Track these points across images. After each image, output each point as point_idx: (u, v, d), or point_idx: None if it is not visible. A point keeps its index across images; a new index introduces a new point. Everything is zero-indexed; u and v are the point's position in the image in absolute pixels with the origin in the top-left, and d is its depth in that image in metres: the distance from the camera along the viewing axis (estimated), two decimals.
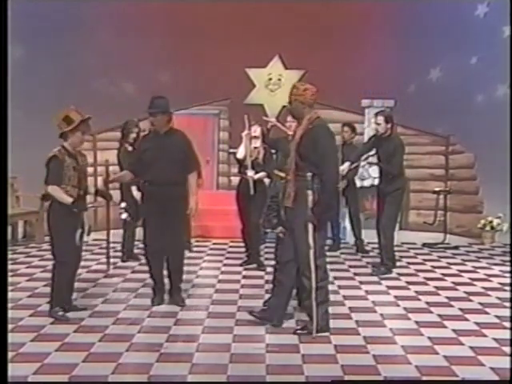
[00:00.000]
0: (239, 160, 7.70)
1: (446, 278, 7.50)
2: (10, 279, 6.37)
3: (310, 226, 5.16)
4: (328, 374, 4.55)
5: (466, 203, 10.41)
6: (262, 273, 7.54)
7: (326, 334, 5.34)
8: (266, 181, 7.64)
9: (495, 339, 5.28)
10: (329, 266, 7.88)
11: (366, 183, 9.90)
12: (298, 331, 5.35)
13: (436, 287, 7.02)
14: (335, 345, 5.11)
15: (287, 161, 5.33)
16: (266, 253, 8.27)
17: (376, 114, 7.74)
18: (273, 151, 7.75)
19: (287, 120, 7.15)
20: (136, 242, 8.26)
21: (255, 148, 7.59)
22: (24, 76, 9.51)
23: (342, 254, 8.86)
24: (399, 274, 7.56)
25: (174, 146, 6.04)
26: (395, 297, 6.62)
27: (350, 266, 8.08)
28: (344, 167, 7.73)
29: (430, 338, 5.32)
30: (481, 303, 6.39)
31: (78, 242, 5.67)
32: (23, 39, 9.74)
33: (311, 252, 5.20)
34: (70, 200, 5.54)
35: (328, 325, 5.40)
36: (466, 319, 5.86)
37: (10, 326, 5.14)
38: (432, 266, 8.14)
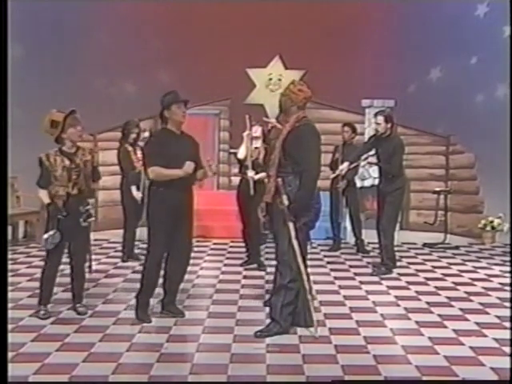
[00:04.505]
0: (240, 160, 7.70)
1: (447, 278, 7.50)
2: (10, 279, 6.36)
3: (291, 225, 5.12)
4: (328, 374, 4.54)
5: (466, 203, 10.41)
6: (262, 273, 7.53)
7: (326, 334, 5.34)
8: (267, 181, 7.62)
9: (495, 339, 5.27)
10: (329, 266, 8.04)
11: (367, 183, 9.89)
12: (258, 333, 5.24)
13: (436, 287, 7.01)
14: (335, 345, 5.10)
15: (271, 157, 5.32)
16: (267, 253, 8.25)
17: (376, 114, 7.73)
18: None
19: None
20: (136, 242, 8.26)
21: (256, 148, 7.58)
22: (24, 76, 9.50)
23: (342, 253, 8.86)
24: (399, 274, 7.56)
25: (192, 146, 5.76)
26: (395, 297, 6.61)
27: (351, 266, 8.08)
28: (343, 167, 7.75)
29: (430, 338, 5.30)
30: (481, 303, 6.38)
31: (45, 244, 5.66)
32: (23, 39, 9.74)
33: (290, 250, 5.14)
34: (47, 201, 5.60)
35: (289, 327, 5.32)
36: (467, 319, 5.85)
37: (10, 326, 5.12)
38: (432, 266, 8.13)
